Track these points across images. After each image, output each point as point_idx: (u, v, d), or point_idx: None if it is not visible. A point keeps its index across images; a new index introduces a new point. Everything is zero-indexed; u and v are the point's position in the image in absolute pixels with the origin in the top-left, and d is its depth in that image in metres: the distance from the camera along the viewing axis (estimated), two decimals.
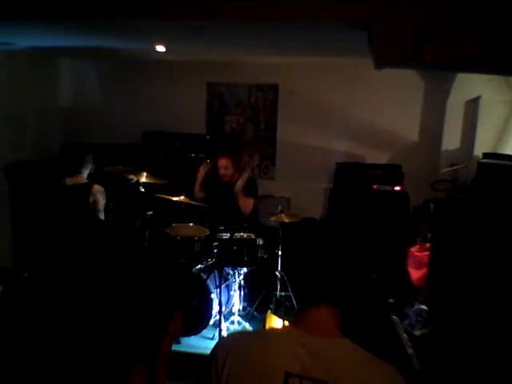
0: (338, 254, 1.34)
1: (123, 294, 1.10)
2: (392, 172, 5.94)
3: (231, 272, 4.55)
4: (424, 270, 4.33)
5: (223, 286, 4.35)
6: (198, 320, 4.34)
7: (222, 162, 4.90)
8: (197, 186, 5.07)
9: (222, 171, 4.92)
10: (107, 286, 1.11)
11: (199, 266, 4.48)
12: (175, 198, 4.61)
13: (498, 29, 2.82)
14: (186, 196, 4.67)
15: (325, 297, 1.32)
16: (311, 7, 2.98)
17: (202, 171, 5.06)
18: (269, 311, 4.26)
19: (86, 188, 4.56)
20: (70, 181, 4.61)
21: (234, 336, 1.43)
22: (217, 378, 1.29)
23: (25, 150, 5.93)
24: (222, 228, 4.63)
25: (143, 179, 4.60)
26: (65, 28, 4.20)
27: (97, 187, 4.59)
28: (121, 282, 1.12)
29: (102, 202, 4.62)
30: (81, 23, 3.83)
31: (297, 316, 1.37)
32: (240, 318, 4.52)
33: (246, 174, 5.04)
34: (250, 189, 5.11)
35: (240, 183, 4.93)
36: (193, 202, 4.70)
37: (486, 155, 4.84)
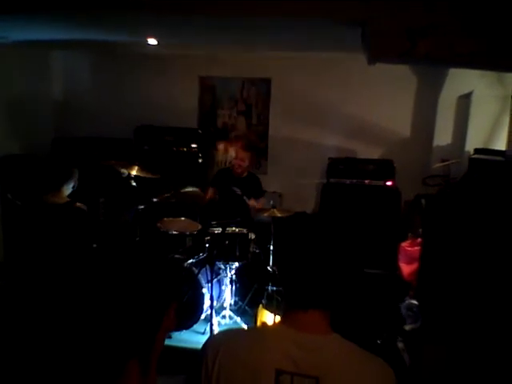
0: (327, 258, 1.31)
1: (117, 291, 1.09)
2: (384, 167, 5.95)
3: (223, 267, 4.54)
4: (415, 265, 4.34)
5: (215, 281, 4.34)
6: (190, 314, 4.33)
7: (242, 155, 5.19)
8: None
9: (237, 162, 5.18)
10: (101, 283, 1.10)
11: (191, 260, 4.47)
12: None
13: (492, 25, 2.82)
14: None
15: (313, 303, 1.31)
16: (305, 2, 2.96)
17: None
18: (260, 306, 4.26)
19: (68, 208, 4.10)
20: (49, 199, 4.13)
21: (223, 334, 1.42)
22: (207, 376, 1.29)
23: (16, 143, 5.88)
24: (213, 222, 4.62)
25: (135, 173, 4.58)
26: (57, 21, 4.16)
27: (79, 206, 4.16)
28: (114, 278, 1.11)
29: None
30: (72, 15, 3.80)
31: (286, 315, 1.35)
32: (231, 313, 4.52)
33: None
34: (256, 187, 5.22)
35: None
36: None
37: (477, 151, 4.86)
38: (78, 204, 4.18)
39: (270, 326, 1.50)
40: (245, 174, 5.27)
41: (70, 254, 3.86)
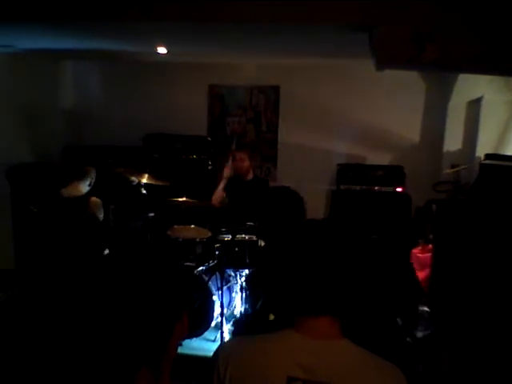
0: (337, 264, 1.30)
1: (128, 298, 1.09)
2: (393, 173, 5.93)
3: (233, 274, 4.54)
4: (426, 272, 4.32)
5: (225, 288, 4.34)
6: (200, 322, 4.33)
7: (240, 155, 5.16)
8: (220, 188, 5.21)
9: (238, 163, 5.14)
10: (112, 290, 1.10)
11: (201, 267, 4.47)
12: (180, 199, 4.59)
13: (500, 29, 2.82)
14: (187, 197, 4.67)
15: (325, 309, 1.30)
16: (313, 9, 2.97)
17: (226, 172, 5.23)
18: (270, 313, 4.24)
19: (83, 201, 4.31)
20: (65, 192, 4.31)
21: (234, 341, 1.42)
22: None
23: (27, 152, 5.93)
24: (223, 229, 4.62)
25: (144, 181, 4.60)
26: (66, 30, 4.20)
27: (94, 201, 4.36)
28: (125, 285, 1.11)
29: (100, 216, 4.42)
30: (82, 25, 3.83)
31: (296, 322, 1.34)
32: None
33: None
34: (264, 190, 5.22)
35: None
36: (194, 203, 4.67)
37: (488, 156, 4.83)
38: (93, 198, 4.33)
39: (281, 333, 1.50)
40: (250, 177, 5.26)
41: (82, 260, 3.89)
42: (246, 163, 5.17)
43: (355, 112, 6.25)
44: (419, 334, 3.80)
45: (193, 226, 4.86)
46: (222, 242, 4.47)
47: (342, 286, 1.31)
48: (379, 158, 6.24)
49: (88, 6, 3.15)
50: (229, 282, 4.62)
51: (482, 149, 5.21)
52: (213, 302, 4.34)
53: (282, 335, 1.34)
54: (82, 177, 4.35)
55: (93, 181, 4.41)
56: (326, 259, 1.31)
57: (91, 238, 4.16)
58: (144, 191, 4.64)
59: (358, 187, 5.90)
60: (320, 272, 1.29)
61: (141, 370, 1.15)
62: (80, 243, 4.08)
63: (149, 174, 4.66)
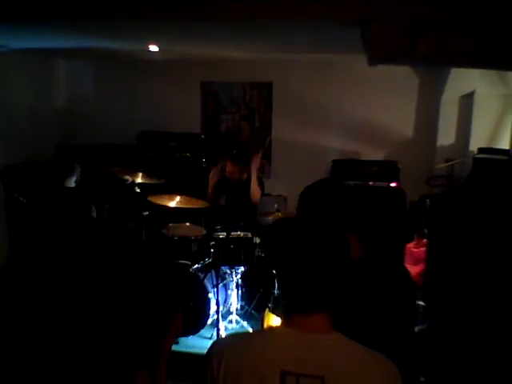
0: (329, 260, 1.30)
1: (123, 299, 1.09)
2: (388, 168, 5.94)
3: (228, 271, 4.54)
4: (421, 266, 4.33)
5: (220, 286, 4.34)
6: (196, 320, 4.32)
7: (230, 168, 5.02)
8: (209, 191, 5.14)
9: (228, 175, 5.05)
10: (107, 291, 1.10)
11: (196, 265, 4.47)
12: (171, 204, 4.52)
13: (492, 23, 2.82)
14: (182, 197, 4.66)
15: (318, 306, 1.30)
16: (304, 5, 2.96)
17: (212, 177, 5.15)
18: (267, 310, 4.25)
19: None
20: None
21: (227, 338, 1.43)
22: (213, 381, 1.29)
23: (20, 152, 5.89)
24: (218, 227, 4.62)
25: (139, 179, 4.59)
26: (57, 30, 4.17)
27: None
28: (120, 286, 1.11)
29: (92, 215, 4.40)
30: (73, 24, 3.81)
31: (288, 318, 1.34)
32: (238, 317, 4.51)
33: (259, 155, 5.21)
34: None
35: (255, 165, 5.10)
36: (188, 206, 4.64)
37: (481, 150, 4.84)
38: None
39: (273, 328, 1.50)
40: (244, 177, 5.15)
41: (75, 258, 3.86)
42: (236, 175, 5.05)
43: (349, 107, 6.25)
44: (416, 329, 3.81)
45: (188, 223, 4.85)
46: (217, 239, 4.47)
47: (335, 283, 1.31)
48: (373, 154, 6.24)
49: (79, 4, 3.13)
50: (224, 279, 4.63)
51: (476, 143, 5.23)
52: (209, 300, 4.34)
53: (275, 331, 1.34)
54: (69, 173, 4.28)
55: (78, 178, 4.33)
56: (319, 256, 1.30)
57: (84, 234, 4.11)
58: (138, 190, 4.63)
59: (352, 183, 5.90)
60: (313, 269, 1.29)
61: (137, 370, 1.15)
62: (73, 241, 4.04)
63: (143, 172, 4.64)
